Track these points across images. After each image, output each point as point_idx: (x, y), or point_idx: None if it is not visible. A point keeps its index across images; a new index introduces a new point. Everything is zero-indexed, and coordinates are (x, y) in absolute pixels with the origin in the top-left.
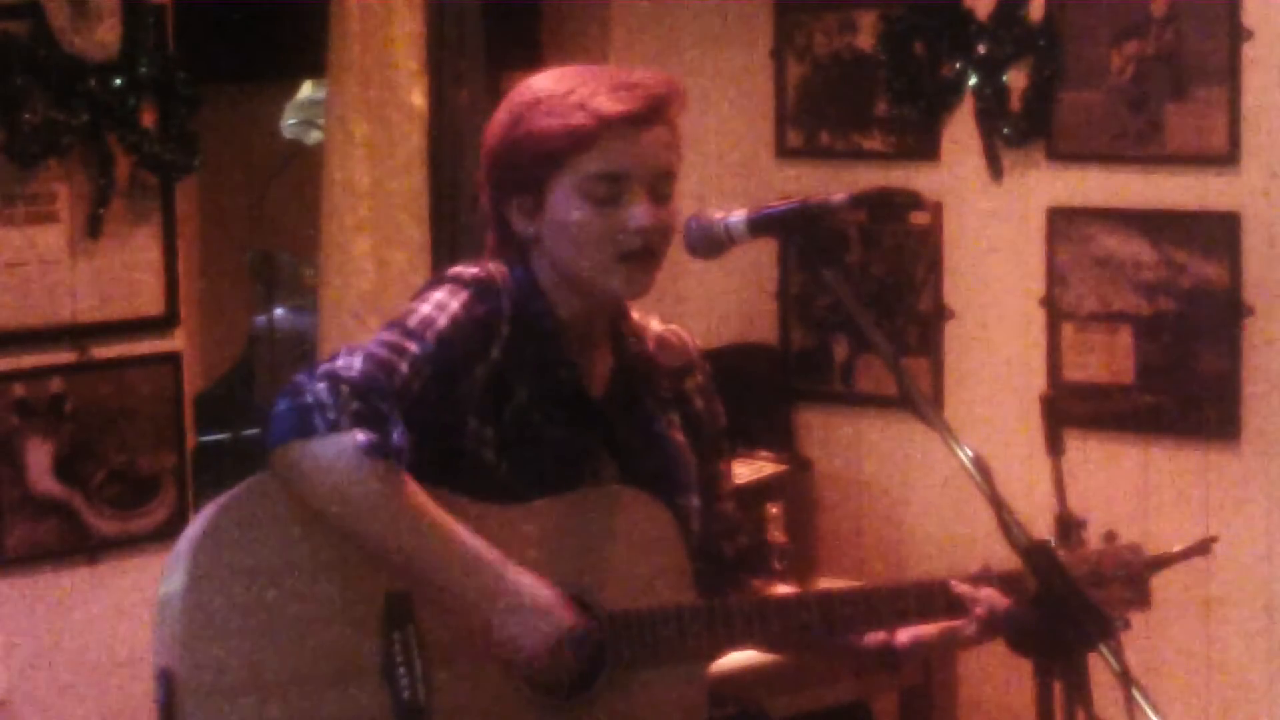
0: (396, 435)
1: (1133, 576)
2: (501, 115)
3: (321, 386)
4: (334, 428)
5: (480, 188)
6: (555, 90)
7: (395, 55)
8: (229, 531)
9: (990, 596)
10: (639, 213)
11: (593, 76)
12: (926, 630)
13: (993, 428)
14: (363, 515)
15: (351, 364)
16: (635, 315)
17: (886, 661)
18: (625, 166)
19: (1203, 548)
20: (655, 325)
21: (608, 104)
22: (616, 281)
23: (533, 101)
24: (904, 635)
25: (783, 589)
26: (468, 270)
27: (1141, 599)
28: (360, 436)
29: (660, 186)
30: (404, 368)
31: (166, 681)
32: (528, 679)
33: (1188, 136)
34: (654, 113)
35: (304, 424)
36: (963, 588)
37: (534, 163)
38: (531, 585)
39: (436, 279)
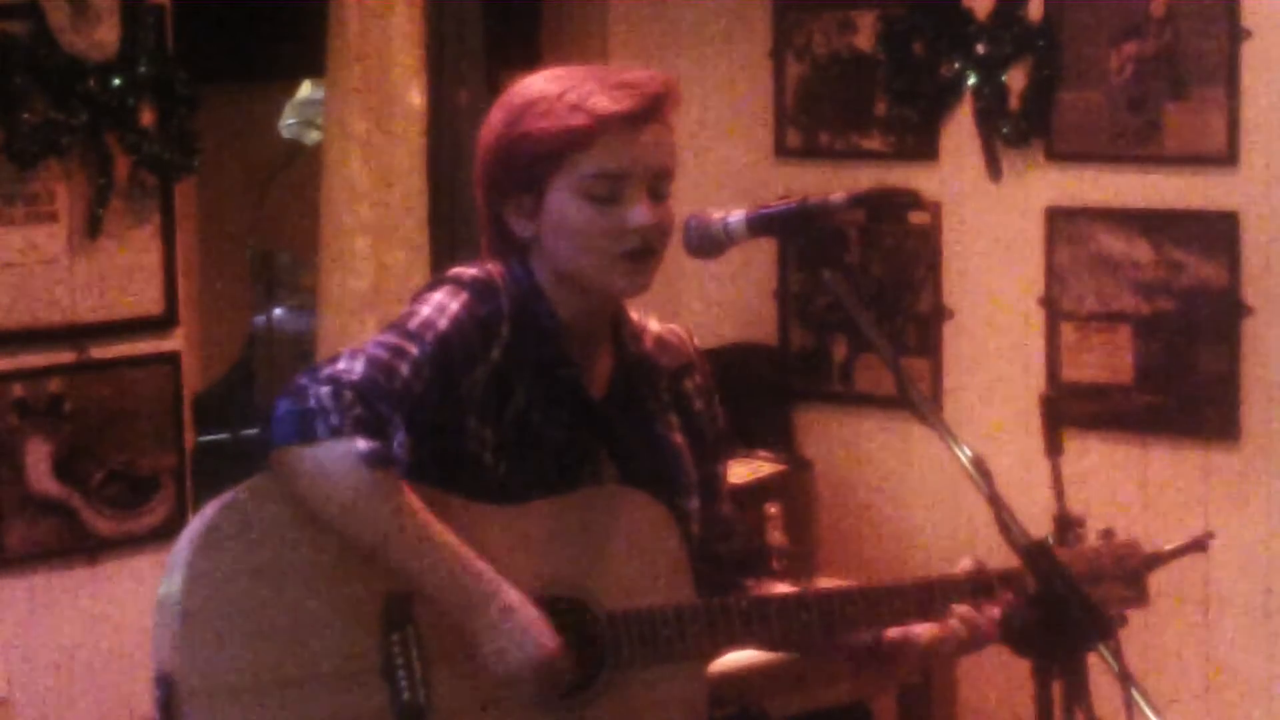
0: (397, 442)
1: (1130, 573)
2: (496, 117)
3: (325, 391)
4: (336, 433)
5: (476, 189)
6: (550, 91)
7: (395, 55)
8: (228, 533)
9: (979, 611)
10: (638, 211)
11: (588, 76)
12: (914, 630)
13: (992, 428)
14: (360, 523)
15: (353, 367)
16: (634, 316)
17: (877, 655)
18: (624, 166)
19: (1199, 544)
20: (654, 325)
21: (605, 103)
22: (616, 280)
23: (528, 103)
24: (893, 630)
25: (780, 588)
26: (467, 271)
27: (1139, 596)
28: (361, 444)
29: (658, 185)
30: (404, 370)
31: (166, 684)
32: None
33: (1187, 136)
34: (651, 111)
35: (306, 428)
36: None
37: (531, 164)
38: (521, 608)
39: (436, 280)
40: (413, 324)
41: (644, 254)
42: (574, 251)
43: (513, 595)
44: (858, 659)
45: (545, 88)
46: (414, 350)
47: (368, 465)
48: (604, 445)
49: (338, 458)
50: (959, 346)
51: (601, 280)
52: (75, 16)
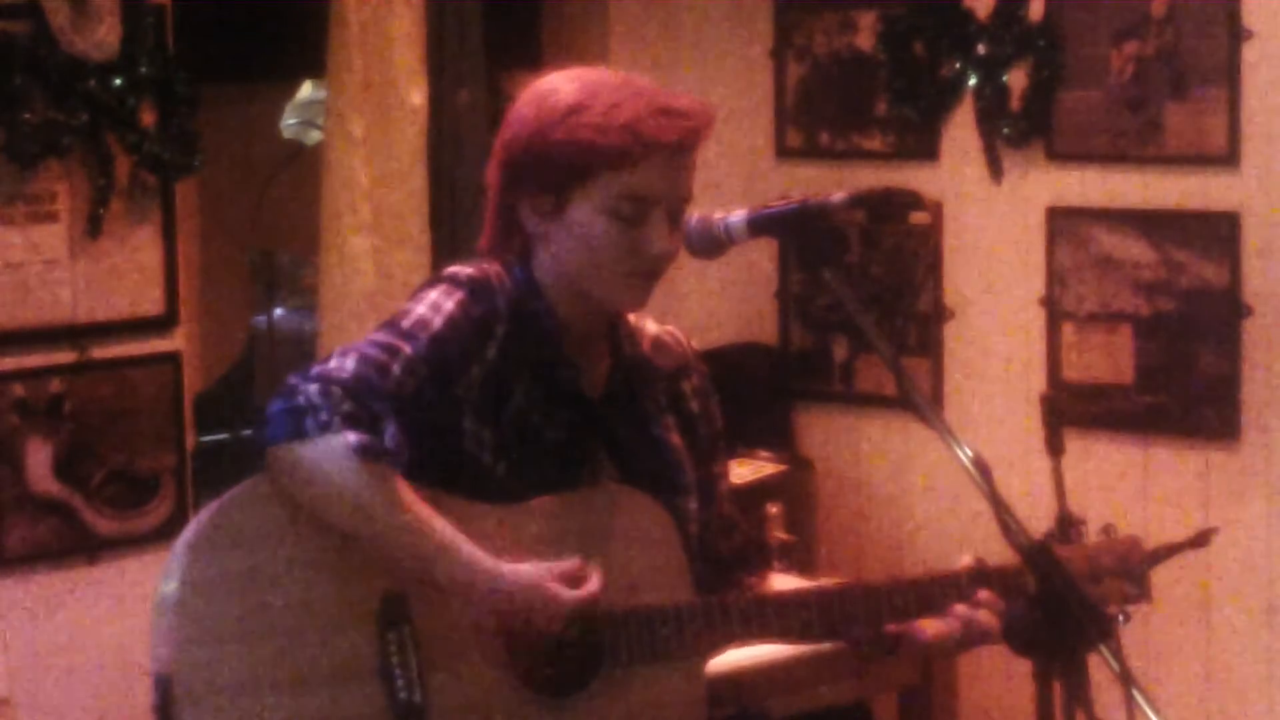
0: (389, 436)
1: (1132, 569)
2: (532, 111)
3: (314, 388)
4: (326, 429)
5: (491, 174)
6: (599, 102)
7: (395, 55)
8: (223, 534)
9: (978, 608)
10: (660, 238)
11: (636, 93)
12: (915, 625)
13: (993, 428)
14: (355, 515)
15: (344, 365)
16: (631, 317)
17: (880, 648)
18: (657, 192)
19: (1202, 539)
20: (651, 327)
21: (655, 130)
22: (622, 296)
23: (574, 107)
24: (894, 625)
25: (780, 581)
26: (464, 270)
27: (1142, 592)
28: (351, 438)
29: (678, 211)
30: (396, 368)
31: (163, 685)
32: (526, 674)
33: (1187, 136)
34: (693, 144)
35: (297, 426)
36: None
37: (565, 168)
38: (527, 573)
39: (432, 279)
40: (407, 323)
41: (653, 276)
42: (587, 262)
43: (518, 568)
44: (859, 649)
45: (593, 97)
46: (407, 349)
47: (359, 458)
48: (603, 445)
49: (329, 452)
50: (959, 346)
51: (607, 294)
52: (76, 16)
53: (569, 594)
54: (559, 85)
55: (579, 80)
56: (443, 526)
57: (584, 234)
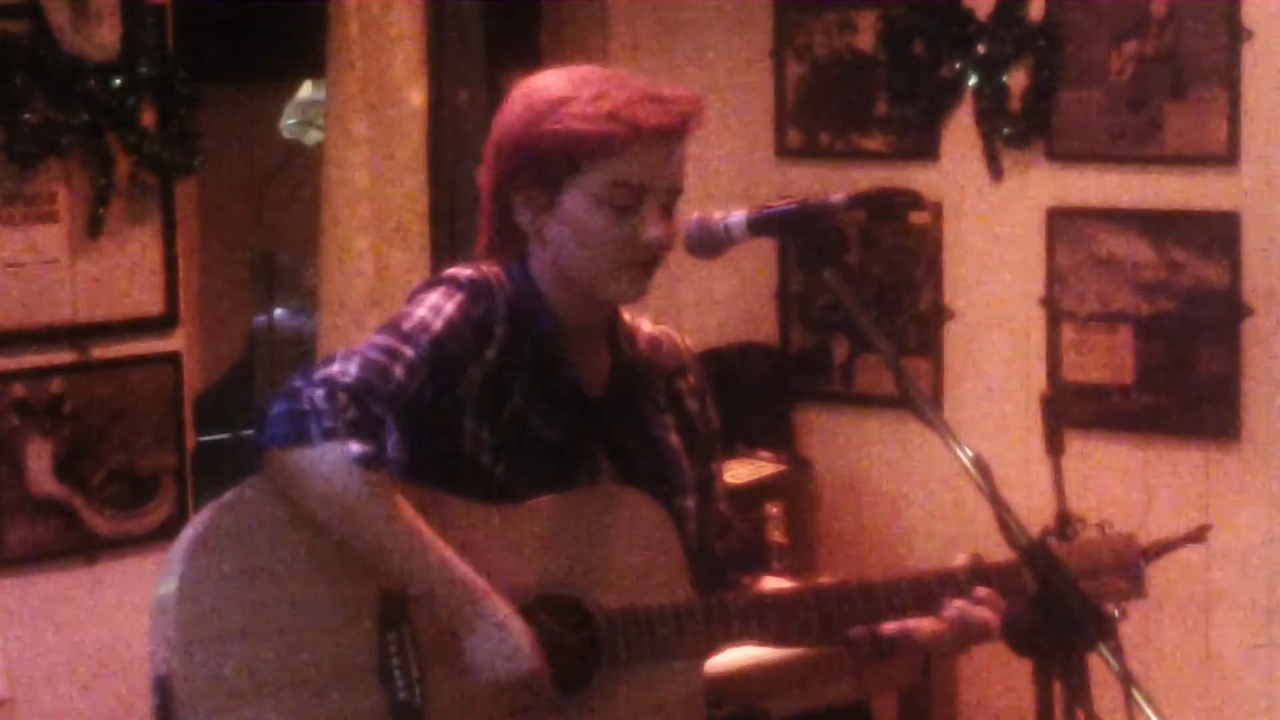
0: (390, 444)
1: (1128, 566)
2: (521, 107)
3: (319, 393)
4: (329, 435)
5: (484, 175)
6: (585, 92)
7: (395, 55)
8: (222, 535)
9: (977, 605)
10: (653, 226)
11: (623, 83)
12: (912, 624)
13: (993, 428)
14: (352, 525)
15: (347, 369)
16: (627, 317)
17: (877, 649)
18: (648, 179)
19: (1198, 535)
20: (647, 327)
21: (644, 116)
22: (618, 286)
23: (562, 99)
24: (891, 624)
25: (774, 581)
26: (463, 272)
27: (1137, 589)
28: (354, 447)
29: (670, 201)
30: (399, 371)
31: (163, 687)
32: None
33: (1187, 136)
34: (683, 130)
35: (300, 430)
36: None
37: (556, 160)
38: (508, 621)
39: (431, 280)
40: (407, 325)
41: (649, 266)
42: (581, 254)
43: (500, 606)
44: (857, 652)
45: (580, 89)
46: (409, 352)
47: (361, 468)
48: (602, 445)
49: (331, 460)
50: (959, 346)
51: (603, 285)
52: (75, 16)
53: (534, 664)
54: (546, 81)
55: (566, 75)
56: (435, 546)
57: (578, 226)
